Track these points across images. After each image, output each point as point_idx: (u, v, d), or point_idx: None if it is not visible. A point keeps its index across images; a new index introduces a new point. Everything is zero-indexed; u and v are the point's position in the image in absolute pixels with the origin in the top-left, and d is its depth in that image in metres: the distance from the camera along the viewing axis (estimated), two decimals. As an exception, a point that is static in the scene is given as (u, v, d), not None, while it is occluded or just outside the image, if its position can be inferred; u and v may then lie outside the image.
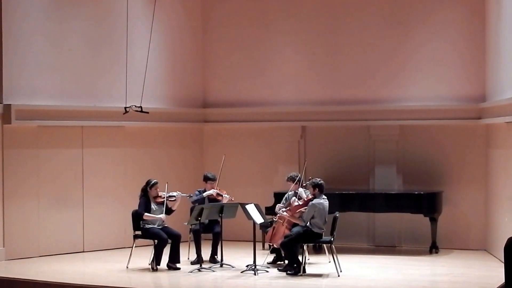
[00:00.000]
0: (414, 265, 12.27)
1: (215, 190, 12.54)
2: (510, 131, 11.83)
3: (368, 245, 14.28)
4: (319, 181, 11.53)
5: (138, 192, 12.19)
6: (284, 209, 11.90)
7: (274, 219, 12.12)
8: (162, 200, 12.04)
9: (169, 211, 12.14)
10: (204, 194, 12.52)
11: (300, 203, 11.68)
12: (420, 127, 14.06)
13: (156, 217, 11.92)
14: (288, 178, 12.32)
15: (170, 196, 12.09)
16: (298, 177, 12.22)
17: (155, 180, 12.09)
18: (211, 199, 12.48)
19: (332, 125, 14.53)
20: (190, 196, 12.45)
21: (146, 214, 11.91)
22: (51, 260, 12.78)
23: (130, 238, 12.20)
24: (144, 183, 12.21)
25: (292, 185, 12.18)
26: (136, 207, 12.11)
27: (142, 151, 14.50)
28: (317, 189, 11.48)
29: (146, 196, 12.04)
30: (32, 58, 13.09)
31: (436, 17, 14.03)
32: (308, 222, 11.36)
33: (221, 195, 12.52)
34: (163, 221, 11.98)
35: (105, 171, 13.99)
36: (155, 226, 11.92)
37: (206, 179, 12.68)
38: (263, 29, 15.08)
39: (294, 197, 11.93)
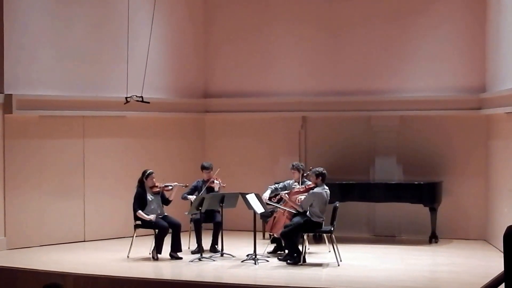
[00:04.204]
0: (414, 255, 12.30)
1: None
2: (510, 122, 11.84)
3: (368, 235, 14.31)
4: (322, 170, 11.56)
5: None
6: (285, 192, 12.01)
7: (273, 200, 12.13)
8: (158, 190, 12.06)
9: (166, 201, 12.18)
10: (191, 185, 12.58)
11: (301, 189, 11.74)
12: (420, 118, 14.06)
13: (146, 217, 11.83)
14: (293, 166, 12.29)
15: (166, 186, 12.12)
16: (302, 167, 12.27)
17: (150, 170, 12.08)
18: (209, 188, 12.50)
19: (333, 116, 14.53)
20: (187, 186, 12.42)
21: (139, 212, 11.90)
22: (52, 250, 12.81)
23: (131, 227, 12.23)
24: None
25: (296, 174, 12.19)
26: (135, 198, 12.20)
27: (143, 141, 14.51)
28: (319, 178, 11.51)
29: (143, 187, 12.05)
30: (33, 48, 13.09)
31: (436, 7, 14.02)
32: (308, 211, 11.40)
33: (213, 181, 12.52)
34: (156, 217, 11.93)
35: (106, 161, 14.00)
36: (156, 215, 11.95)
37: (202, 168, 12.72)
38: (264, 20, 15.06)
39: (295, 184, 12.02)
